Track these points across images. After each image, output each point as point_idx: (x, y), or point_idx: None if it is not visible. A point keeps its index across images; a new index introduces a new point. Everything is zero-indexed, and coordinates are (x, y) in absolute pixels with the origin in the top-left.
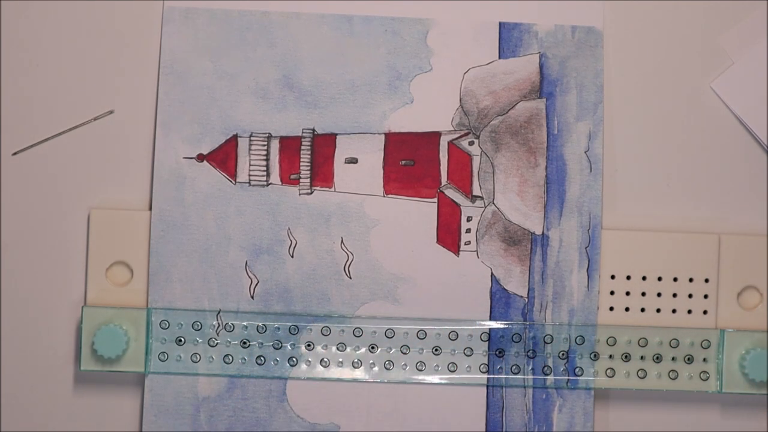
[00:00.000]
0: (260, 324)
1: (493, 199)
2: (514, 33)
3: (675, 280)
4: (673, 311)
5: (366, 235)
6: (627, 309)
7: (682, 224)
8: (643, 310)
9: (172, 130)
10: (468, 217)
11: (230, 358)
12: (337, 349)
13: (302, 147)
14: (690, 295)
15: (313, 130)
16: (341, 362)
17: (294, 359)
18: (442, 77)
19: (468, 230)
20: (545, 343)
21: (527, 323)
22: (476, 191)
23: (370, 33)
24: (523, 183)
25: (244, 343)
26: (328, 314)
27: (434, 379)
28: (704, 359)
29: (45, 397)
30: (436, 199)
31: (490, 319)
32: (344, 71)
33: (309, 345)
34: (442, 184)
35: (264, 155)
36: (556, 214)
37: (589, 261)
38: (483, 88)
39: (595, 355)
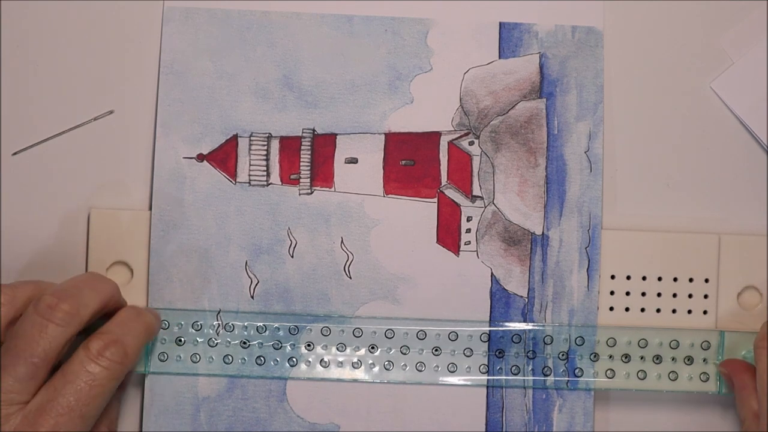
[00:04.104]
0: (260, 324)
1: (493, 199)
2: (514, 33)
3: (675, 280)
4: (673, 311)
5: (366, 235)
6: (627, 309)
7: (682, 224)
8: (643, 310)
9: (172, 130)
10: (468, 217)
11: (230, 358)
12: (337, 349)
13: (302, 147)
14: (690, 295)
15: (313, 130)
16: (341, 363)
17: (294, 359)
18: (442, 77)
19: (468, 230)
20: (545, 344)
21: (528, 324)
22: (476, 191)
23: (370, 33)
24: (523, 183)
25: (244, 343)
26: (328, 314)
27: (434, 379)
28: (704, 360)
29: None
30: (436, 199)
31: (490, 319)
32: (344, 71)
33: (309, 345)
34: (442, 184)
35: (264, 155)
36: (556, 214)
37: (589, 261)
38: (483, 88)
39: (594, 356)
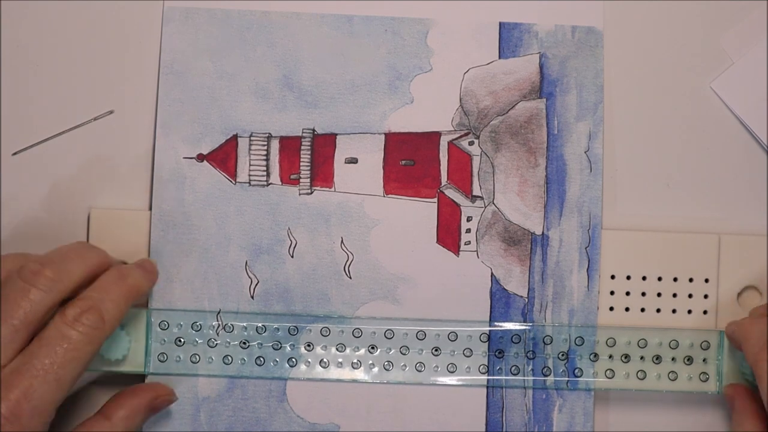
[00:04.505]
0: (260, 325)
1: (493, 199)
2: (514, 33)
3: (675, 280)
4: (673, 311)
5: (366, 235)
6: (627, 309)
7: (682, 224)
8: (643, 310)
9: (172, 130)
10: (468, 217)
11: (230, 358)
12: (337, 350)
13: (302, 147)
14: (690, 295)
15: (313, 130)
16: (340, 363)
17: (293, 360)
18: (442, 77)
19: (468, 230)
20: (545, 344)
21: (527, 324)
22: (476, 191)
23: (370, 33)
24: (523, 183)
25: (244, 343)
26: (327, 314)
27: (434, 380)
28: (704, 360)
29: None
30: (436, 199)
31: (490, 319)
32: (344, 71)
33: (308, 346)
34: (442, 184)
35: (264, 155)
36: (556, 214)
37: (589, 261)
38: (483, 88)
39: (594, 356)
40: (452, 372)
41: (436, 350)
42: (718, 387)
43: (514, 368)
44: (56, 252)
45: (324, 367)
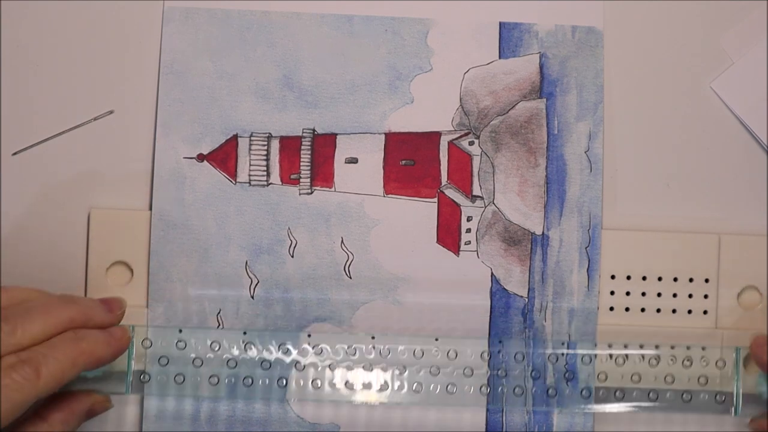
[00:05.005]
0: (261, 324)
1: (493, 199)
2: (514, 33)
3: (675, 280)
4: (673, 311)
5: (366, 235)
6: (627, 309)
7: (682, 224)
8: (643, 310)
9: (172, 130)
10: (468, 217)
11: (216, 379)
12: (329, 368)
13: (302, 147)
14: (690, 295)
15: (314, 130)
16: (339, 382)
17: (284, 381)
18: (443, 77)
19: (468, 230)
20: (548, 341)
21: (528, 323)
22: (476, 191)
23: (370, 33)
24: (523, 183)
25: (245, 343)
26: (328, 315)
27: (436, 374)
28: (702, 360)
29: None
30: (436, 199)
31: (491, 319)
32: (344, 71)
33: (299, 365)
34: (442, 184)
35: (264, 155)
36: (556, 214)
37: (589, 261)
38: (483, 88)
39: (596, 357)
40: (453, 362)
41: (438, 345)
42: (735, 409)
43: (517, 365)
44: (25, 306)
45: (316, 389)
